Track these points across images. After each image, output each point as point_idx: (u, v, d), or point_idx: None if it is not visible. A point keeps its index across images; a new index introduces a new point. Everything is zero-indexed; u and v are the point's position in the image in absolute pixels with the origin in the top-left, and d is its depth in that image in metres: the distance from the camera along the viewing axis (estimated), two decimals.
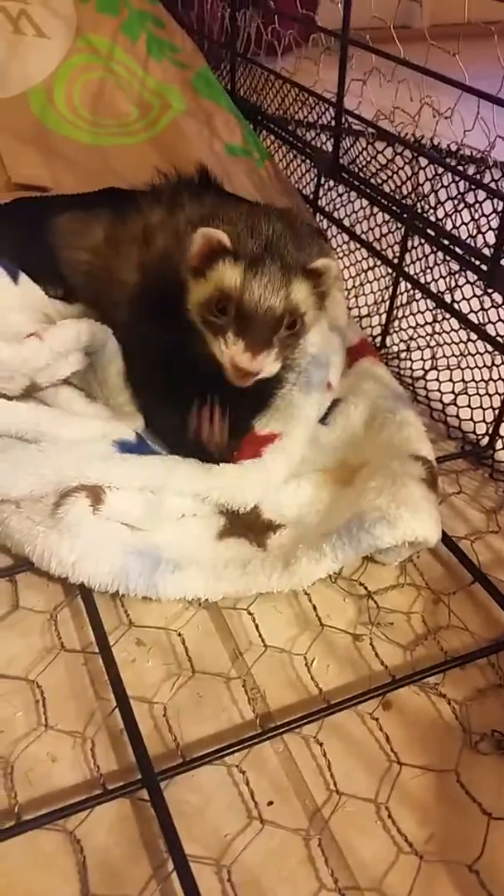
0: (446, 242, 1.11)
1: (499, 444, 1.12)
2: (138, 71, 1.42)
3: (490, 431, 1.12)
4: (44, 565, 0.85)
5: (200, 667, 0.82)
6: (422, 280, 1.20)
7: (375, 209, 1.28)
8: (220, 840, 0.69)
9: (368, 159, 1.24)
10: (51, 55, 1.36)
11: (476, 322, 1.10)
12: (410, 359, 1.29)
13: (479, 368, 1.15)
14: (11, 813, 0.69)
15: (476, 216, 1.07)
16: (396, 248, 1.24)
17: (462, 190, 1.09)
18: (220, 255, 0.87)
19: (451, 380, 1.20)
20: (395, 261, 1.24)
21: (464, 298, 1.13)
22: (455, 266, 1.13)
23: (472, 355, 1.16)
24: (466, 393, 1.17)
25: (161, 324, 0.96)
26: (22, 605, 0.87)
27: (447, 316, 1.18)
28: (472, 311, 1.11)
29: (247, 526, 0.95)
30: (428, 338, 1.25)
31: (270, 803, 0.72)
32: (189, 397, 0.97)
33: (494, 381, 1.12)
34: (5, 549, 0.89)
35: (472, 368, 1.17)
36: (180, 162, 1.18)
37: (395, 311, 1.30)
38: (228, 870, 0.67)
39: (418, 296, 1.24)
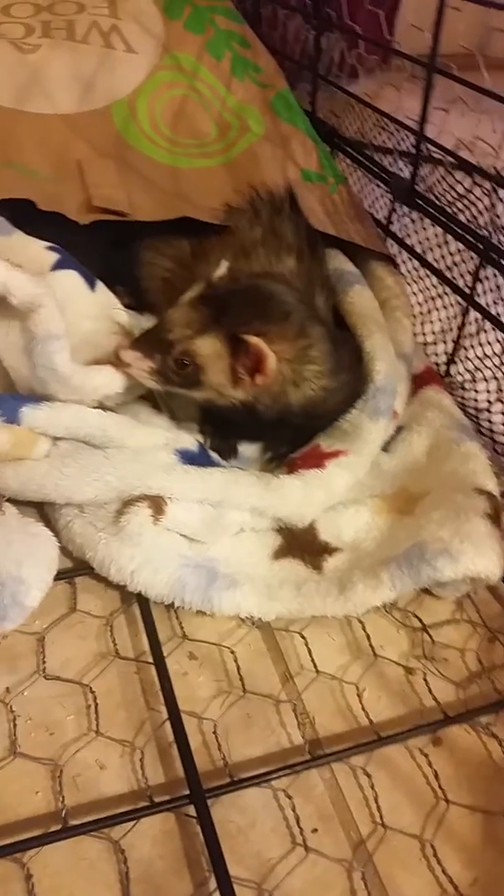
0: None
1: None
2: (220, 90, 1.44)
3: None
4: (103, 571, 0.87)
5: (251, 687, 0.82)
6: (493, 311, 1.19)
7: (448, 237, 1.27)
8: (263, 863, 0.69)
9: (446, 188, 1.24)
10: (137, 70, 1.39)
11: None
12: (475, 390, 1.27)
13: None
14: (58, 816, 0.70)
15: None
16: (467, 276, 1.23)
17: None
18: None
19: None
20: (467, 290, 1.23)
21: None
22: None
23: None
24: None
25: None
26: (79, 609, 0.88)
27: None
28: None
29: (302, 547, 0.95)
30: (495, 369, 1.23)
31: (315, 830, 0.71)
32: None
33: None
34: (66, 551, 0.91)
35: None
36: (254, 188, 1.20)
37: (462, 341, 1.29)
38: (270, 894, 0.66)
39: (487, 326, 1.23)
